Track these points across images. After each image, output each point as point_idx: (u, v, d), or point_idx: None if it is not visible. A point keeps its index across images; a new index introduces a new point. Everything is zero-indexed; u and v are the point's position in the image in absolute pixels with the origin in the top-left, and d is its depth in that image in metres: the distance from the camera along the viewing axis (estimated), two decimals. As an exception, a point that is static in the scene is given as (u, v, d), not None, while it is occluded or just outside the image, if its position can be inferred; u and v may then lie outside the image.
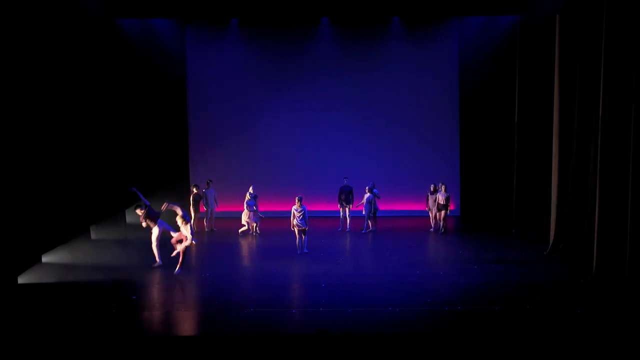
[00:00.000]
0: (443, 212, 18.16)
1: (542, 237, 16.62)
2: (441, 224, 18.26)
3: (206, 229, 19.09)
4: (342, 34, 20.87)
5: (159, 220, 14.49)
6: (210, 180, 19.27)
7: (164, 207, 14.39)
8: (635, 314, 11.18)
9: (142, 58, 19.83)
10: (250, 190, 18.17)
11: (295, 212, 15.91)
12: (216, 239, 18.28)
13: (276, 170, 21.27)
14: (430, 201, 18.55)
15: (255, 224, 18.22)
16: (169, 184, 20.63)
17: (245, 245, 17.40)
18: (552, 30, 15.91)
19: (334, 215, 19.18)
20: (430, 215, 18.71)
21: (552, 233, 15.79)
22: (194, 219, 18.98)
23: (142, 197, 14.41)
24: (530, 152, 18.26)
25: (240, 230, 18.25)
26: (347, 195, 18.62)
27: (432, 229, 18.58)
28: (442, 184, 18.58)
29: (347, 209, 18.69)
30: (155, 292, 13.11)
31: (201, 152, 21.36)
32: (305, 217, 15.89)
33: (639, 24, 12.62)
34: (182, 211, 14.33)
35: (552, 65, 15.88)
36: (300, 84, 21.19)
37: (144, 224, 14.42)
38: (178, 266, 14.04)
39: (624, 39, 12.83)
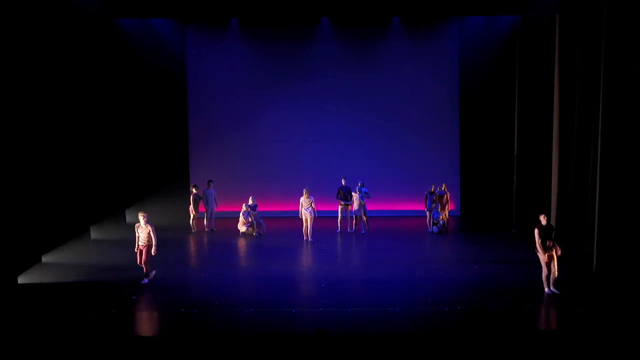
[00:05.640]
0: (440, 209, 18.15)
1: (542, 237, 16.61)
2: (440, 223, 18.22)
3: (206, 229, 19.08)
4: (342, 34, 20.86)
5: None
6: (211, 181, 19.27)
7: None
8: (635, 313, 11.18)
9: (142, 58, 19.87)
10: (250, 201, 18.29)
11: (304, 203, 17.29)
12: (216, 239, 18.28)
13: (276, 171, 21.25)
14: (429, 201, 18.53)
15: (259, 229, 18.32)
16: (169, 184, 20.69)
17: (245, 245, 17.40)
18: (552, 30, 15.92)
19: (334, 215, 19.15)
20: (427, 216, 18.67)
21: (552, 233, 15.76)
22: (193, 219, 19.04)
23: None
24: (530, 152, 18.27)
25: (241, 231, 18.29)
26: (345, 195, 18.55)
27: (429, 230, 18.53)
28: (443, 184, 18.67)
29: (346, 209, 18.64)
30: (155, 292, 13.09)
31: (201, 152, 21.35)
32: (314, 207, 17.29)
33: (639, 24, 12.62)
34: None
35: (552, 65, 15.89)
36: (300, 84, 21.18)
37: None
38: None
39: (624, 39, 12.84)
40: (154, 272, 13.57)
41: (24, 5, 13.95)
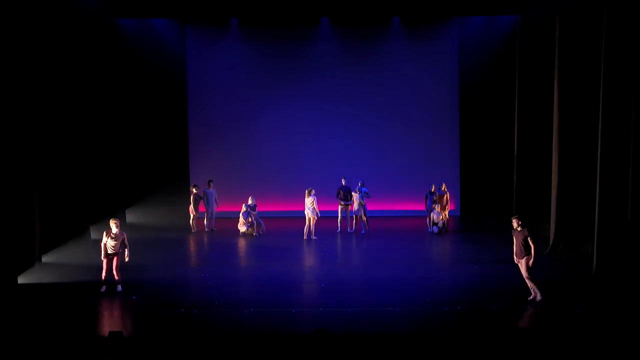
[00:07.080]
0: (440, 209, 18.13)
1: (542, 237, 16.58)
2: (440, 223, 18.20)
3: (206, 229, 19.07)
4: (342, 34, 20.86)
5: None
6: (211, 180, 19.27)
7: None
8: (635, 313, 11.18)
9: (142, 58, 19.87)
10: (249, 201, 18.28)
11: (307, 202, 17.44)
12: (216, 239, 18.27)
13: (276, 171, 21.25)
14: (429, 201, 18.51)
15: (259, 229, 18.32)
16: (169, 184, 20.69)
17: (245, 245, 17.40)
18: (552, 30, 15.90)
19: (334, 215, 19.14)
20: (428, 217, 18.63)
21: (552, 233, 15.78)
22: (193, 219, 19.03)
23: None
24: (530, 151, 18.27)
25: (241, 231, 18.28)
26: (345, 195, 18.54)
27: (429, 230, 18.49)
28: (443, 184, 18.66)
29: (346, 209, 18.61)
30: (155, 292, 13.08)
31: (201, 152, 21.34)
32: (315, 207, 17.39)
33: (639, 24, 12.63)
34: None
35: (552, 65, 15.87)
36: (300, 84, 21.18)
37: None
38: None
39: (624, 39, 12.84)
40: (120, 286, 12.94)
41: (24, 5, 13.94)
